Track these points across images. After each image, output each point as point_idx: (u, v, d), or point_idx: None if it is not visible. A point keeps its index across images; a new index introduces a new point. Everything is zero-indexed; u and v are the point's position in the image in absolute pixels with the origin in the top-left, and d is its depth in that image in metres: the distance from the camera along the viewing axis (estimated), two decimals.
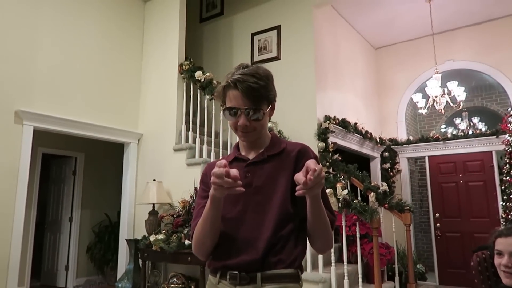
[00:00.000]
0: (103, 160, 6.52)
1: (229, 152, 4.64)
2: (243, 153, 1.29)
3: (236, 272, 1.14)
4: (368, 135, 5.72)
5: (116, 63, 4.92)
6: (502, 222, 4.75)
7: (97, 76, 4.69)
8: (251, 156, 1.26)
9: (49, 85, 4.20)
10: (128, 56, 5.09)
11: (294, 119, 4.85)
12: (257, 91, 1.16)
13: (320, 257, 3.57)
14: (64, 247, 6.01)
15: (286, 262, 1.15)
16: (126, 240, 4.59)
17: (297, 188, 0.99)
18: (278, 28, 5.30)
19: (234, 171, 1.00)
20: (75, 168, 6.22)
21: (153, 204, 4.47)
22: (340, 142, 5.11)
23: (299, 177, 0.97)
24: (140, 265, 4.38)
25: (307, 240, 1.23)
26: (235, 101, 1.17)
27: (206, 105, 4.77)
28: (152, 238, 4.09)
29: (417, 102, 5.53)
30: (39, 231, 6.01)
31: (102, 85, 4.73)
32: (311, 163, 0.98)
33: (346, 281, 3.46)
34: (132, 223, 4.84)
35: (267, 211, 1.17)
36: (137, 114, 5.13)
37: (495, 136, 5.71)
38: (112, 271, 5.98)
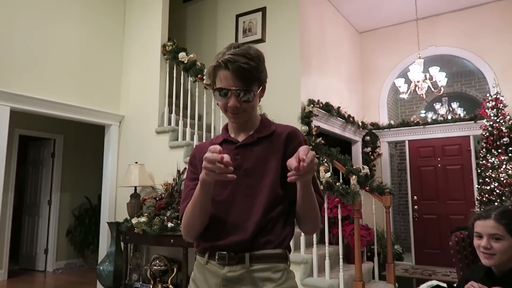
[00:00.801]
0: (83, 142, 6.40)
1: (212, 135, 4.62)
2: (232, 135, 1.27)
3: (225, 252, 1.14)
4: (351, 119, 5.77)
5: (96, 43, 4.78)
6: (477, 205, 4.92)
7: (77, 57, 4.54)
8: (241, 138, 1.25)
9: (27, 66, 4.06)
10: (109, 36, 4.94)
11: (278, 102, 4.84)
12: (248, 72, 1.13)
13: (302, 238, 3.62)
14: (43, 231, 5.92)
15: (274, 242, 1.15)
16: (108, 223, 4.55)
17: (289, 174, 0.98)
18: (263, 10, 5.23)
19: (226, 157, 0.99)
20: (53, 151, 6.08)
21: (135, 187, 4.43)
22: (323, 125, 5.15)
23: (292, 162, 0.96)
24: (122, 248, 4.36)
25: (293, 225, 1.24)
26: (225, 81, 1.14)
27: (189, 87, 4.70)
28: (134, 220, 4.06)
29: (400, 87, 5.59)
30: (17, 215, 5.89)
31: (82, 66, 4.60)
32: (304, 149, 0.97)
33: (327, 262, 3.53)
34: (113, 206, 4.79)
35: (257, 193, 1.17)
36: (118, 95, 5.02)
37: (473, 121, 5.85)
38: (93, 254, 5.95)
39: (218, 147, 1.00)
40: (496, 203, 4.61)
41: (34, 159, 6.24)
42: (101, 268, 4.36)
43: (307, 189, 1.10)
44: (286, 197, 1.19)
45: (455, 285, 1.85)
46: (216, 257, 1.16)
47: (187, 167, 1.34)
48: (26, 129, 5.64)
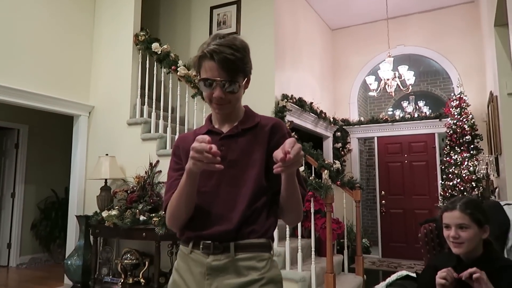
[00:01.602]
0: (49, 133, 6.16)
1: (186, 128, 4.58)
2: (216, 126, 1.27)
3: (210, 241, 1.15)
4: (323, 115, 5.87)
5: (64, 29, 4.60)
6: (440, 200, 5.14)
7: (42, 43, 4.36)
8: (225, 129, 1.25)
9: None
10: (78, 23, 4.77)
11: (252, 96, 4.78)
12: (233, 63, 1.13)
13: (275, 231, 3.67)
14: (6, 224, 5.68)
15: (259, 232, 1.17)
16: (76, 216, 4.43)
17: (275, 166, 0.99)
18: (238, 3, 5.21)
19: (214, 147, 0.99)
20: (17, 141, 5.83)
21: (106, 180, 4.33)
22: (296, 120, 5.21)
23: (278, 154, 0.97)
24: (91, 242, 4.26)
25: (277, 216, 1.25)
26: (210, 72, 1.14)
27: (162, 79, 4.63)
28: (104, 214, 3.98)
29: (370, 84, 5.74)
30: None
31: (48, 53, 4.42)
32: (290, 141, 0.99)
33: (299, 255, 3.60)
34: (82, 199, 4.66)
35: (241, 185, 1.18)
36: (88, 85, 4.87)
37: (438, 120, 6.10)
38: (60, 249, 5.77)
39: (207, 137, 1.00)
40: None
41: None
42: (69, 262, 4.24)
43: (292, 181, 1.12)
44: (270, 188, 1.20)
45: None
46: (201, 246, 1.16)
47: (170, 158, 1.33)
48: None
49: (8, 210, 5.70)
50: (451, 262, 1.65)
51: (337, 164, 4.59)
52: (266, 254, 1.18)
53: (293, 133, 4.78)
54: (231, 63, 1.13)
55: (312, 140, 4.91)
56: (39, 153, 6.04)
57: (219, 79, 1.14)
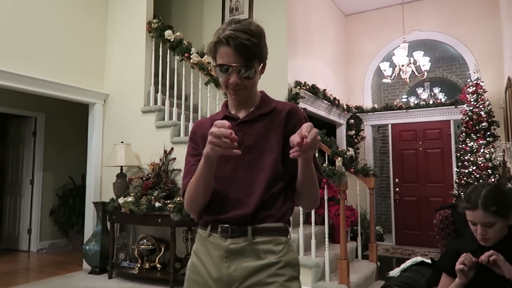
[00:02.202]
0: (66, 121, 6.26)
1: (199, 115, 4.60)
2: (233, 112, 1.27)
3: (227, 225, 1.16)
4: (336, 102, 5.83)
5: (78, 18, 4.64)
6: (455, 187, 5.09)
7: (58, 32, 4.41)
8: (241, 115, 1.25)
9: (5, 41, 3.92)
10: (92, 11, 4.80)
11: (265, 83, 4.77)
12: (249, 48, 1.13)
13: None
14: (26, 210, 5.83)
15: (276, 216, 1.18)
16: (94, 202, 4.53)
17: (291, 150, 0.99)
18: None
19: (232, 132, 1.00)
20: (35, 129, 5.94)
21: (121, 167, 4.40)
22: (309, 108, 5.18)
23: (295, 139, 0.98)
24: (108, 228, 4.36)
25: (293, 201, 1.26)
26: (226, 58, 1.14)
27: (176, 66, 4.64)
28: (121, 200, 4.06)
29: (384, 71, 5.66)
30: None
31: (64, 41, 4.47)
32: (307, 126, 0.99)
33: (313, 241, 3.62)
34: (98, 186, 4.75)
35: (258, 169, 1.19)
36: (102, 73, 4.92)
37: (453, 106, 6.00)
38: (78, 234, 5.91)
39: (226, 123, 1.01)
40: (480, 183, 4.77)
41: (15, 137, 6.09)
42: (87, 247, 4.35)
43: (308, 166, 1.13)
44: (286, 173, 1.21)
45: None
46: (219, 229, 1.17)
47: (187, 144, 1.34)
48: (6, 107, 5.49)
49: (28, 197, 5.85)
50: (472, 246, 1.64)
51: (351, 152, 4.57)
52: (283, 238, 1.19)
53: None
54: (247, 48, 1.12)
55: (325, 128, 4.89)
56: (56, 140, 6.15)
57: (235, 64, 1.13)
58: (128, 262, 4.27)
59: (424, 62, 5.44)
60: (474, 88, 5.09)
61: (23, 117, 5.93)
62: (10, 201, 6.01)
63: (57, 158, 6.14)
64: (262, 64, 1.22)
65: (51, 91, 4.35)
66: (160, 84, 4.64)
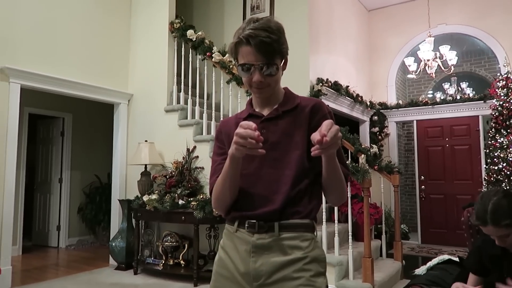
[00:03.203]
0: (92, 121, 6.43)
1: (221, 114, 4.63)
2: (257, 110, 1.28)
3: (254, 221, 1.17)
4: (359, 98, 5.74)
5: (103, 21, 4.74)
6: (484, 184, 4.93)
7: (83, 34, 4.53)
8: (266, 112, 1.26)
9: (35, 43, 4.05)
10: (116, 13, 4.90)
11: (287, 81, 4.73)
12: (269, 45, 1.13)
13: None
14: (55, 208, 6.02)
15: (302, 213, 1.18)
16: (119, 200, 4.62)
17: (312, 149, 0.99)
18: None
19: (258, 134, 1.01)
20: (63, 129, 6.12)
21: (145, 165, 4.48)
22: (332, 105, 5.13)
23: (315, 136, 0.97)
24: (133, 225, 4.44)
25: (320, 197, 1.26)
26: (248, 57, 1.15)
27: (198, 66, 4.68)
28: (145, 198, 4.13)
29: (409, 66, 5.54)
30: (29, 192, 5.98)
31: (89, 43, 4.58)
32: (327, 124, 0.98)
33: (336, 239, 3.59)
34: (123, 184, 4.85)
35: (284, 167, 1.19)
36: (126, 74, 5.02)
37: (482, 101, 5.81)
38: (104, 231, 6.06)
39: (252, 124, 1.01)
40: (503, 184, 4.62)
41: (44, 137, 6.30)
42: (114, 244, 4.45)
43: (332, 162, 1.12)
44: (312, 169, 1.21)
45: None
46: (246, 225, 1.18)
47: (214, 143, 1.36)
48: (36, 108, 5.67)
49: (57, 195, 6.04)
50: (496, 250, 1.59)
51: (374, 149, 4.49)
52: (310, 235, 1.19)
53: None
54: (268, 45, 1.13)
55: (348, 125, 4.82)
56: (83, 140, 6.32)
57: (256, 63, 1.14)
58: (152, 258, 4.35)
59: (450, 56, 5.29)
60: (504, 82, 4.91)
61: (52, 117, 6.12)
62: (40, 199, 6.21)
63: (84, 157, 6.31)
64: (283, 61, 1.22)
65: (78, 92, 4.47)
66: (182, 83, 4.69)
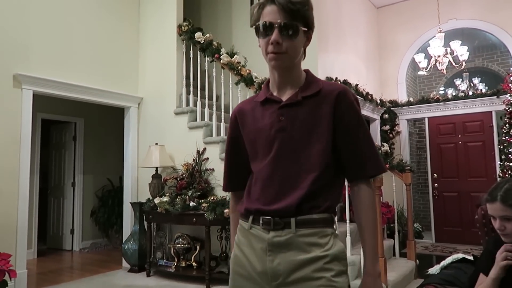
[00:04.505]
0: (103, 125, 6.50)
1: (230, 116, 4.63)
2: (275, 93, 1.18)
3: (269, 217, 1.10)
4: (369, 97, 5.70)
5: (112, 25, 4.79)
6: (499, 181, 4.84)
7: (93, 40, 4.58)
8: (285, 97, 1.16)
9: (46, 49, 4.11)
10: (125, 18, 4.95)
11: None
12: (296, 4, 1.07)
13: None
14: (69, 211, 6.10)
15: (321, 207, 1.11)
16: (131, 203, 4.66)
17: None
18: None
19: None
20: (75, 134, 6.20)
21: (156, 168, 4.50)
22: None
23: None
24: (145, 227, 4.47)
25: (342, 186, 1.20)
26: (269, 16, 1.08)
27: (206, 68, 4.70)
28: (156, 200, 4.15)
29: (420, 62, 5.47)
30: (43, 196, 6.07)
31: (99, 48, 4.63)
32: None
33: (348, 239, 3.56)
34: (135, 186, 4.89)
35: (304, 161, 1.11)
36: (136, 77, 5.06)
37: (495, 96, 5.71)
38: (117, 234, 6.11)
39: None
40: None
41: (57, 142, 6.38)
42: (126, 247, 4.49)
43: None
44: (335, 161, 1.14)
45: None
46: (261, 221, 1.12)
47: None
48: (48, 113, 5.76)
49: (70, 199, 6.12)
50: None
51: (386, 147, 4.46)
52: (329, 230, 1.11)
53: None
54: (293, 5, 1.07)
55: None
56: (95, 144, 6.39)
57: (278, 21, 1.07)
58: (165, 260, 4.37)
59: (462, 51, 5.21)
60: None
61: (64, 122, 6.20)
62: (54, 203, 6.30)
63: (96, 161, 6.38)
64: (307, 35, 1.14)
65: (90, 97, 4.52)
66: (191, 85, 4.72)
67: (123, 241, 4.64)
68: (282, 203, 1.10)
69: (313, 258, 1.07)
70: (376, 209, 1.15)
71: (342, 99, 1.13)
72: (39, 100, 4.75)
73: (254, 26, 1.13)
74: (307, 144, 1.12)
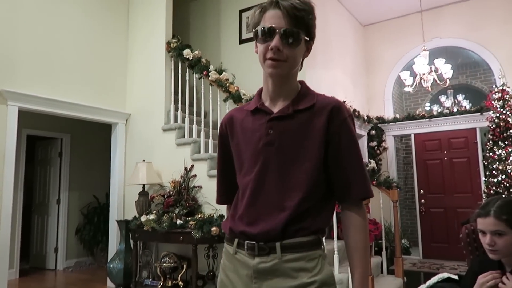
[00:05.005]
0: (90, 141, 6.43)
1: (219, 133, 4.62)
2: (266, 103, 1.13)
3: (254, 242, 1.06)
4: (356, 113, 5.76)
5: (100, 41, 4.79)
6: (484, 197, 4.91)
7: (81, 55, 4.56)
8: (276, 108, 1.10)
9: (32, 65, 4.08)
10: (113, 34, 4.96)
11: None
12: (300, 11, 1.04)
13: None
14: (53, 229, 5.97)
15: (308, 230, 1.05)
16: (117, 221, 4.59)
17: None
18: None
19: None
20: (61, 150, 6.12)
21: (143, 185, 4.45)
22: None
23: None
24: (131, 246, 4.40)
25: (333, 206, 1.15)
26: (271, 20, 1.04)
27: (195, 84, 4.71)
28: (143, 218, 4.09)
29: (405, 80, 5.57)
30: (26, 214, 5.94)
31: (87, 64, 4.62)
32: None
33: (336, 256, 3.55)
34: (121, 204, 4.82)
35: (292, 179, 1.06)
36: (124, 93, 5.04)
37: (479, 113, 5.83)
38: (102, 252, 5.99)
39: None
40: (503, 195, 4.60)
41: (42, 158, 6.29)
42: (111, 266, 4.40)
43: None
44: (325, 180, 1.08)
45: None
46: (245, 247, 1.07)
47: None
48: (34, 129, 5.68)
49: (54, 216, 6.00)
50: (493, 267, 1.58)
51: (372, 164, 4.50)
52: (317, 252, 1.06)
53: None
54: (298, 11, 1.04)
55: None
56: (81, 160, 6.31)
57: (281, 27, 1.03)
58: (151, 280, 4.29)
59: (445, 69, 5.33)
60: (500, 94, 4.95)
61: (50, 138, 6.12)
62: (37, 221, 6.17)
63: (82, 178, 6.29)
64: (307, 46, 1.11)
65: (76, 113, 4.48)
66: (180, 102, 4.71)
67: (109, 260, 4.55)
68: (267, 225, 1.05)
69: (300, 285, 1.02)
70: (367, 232, 1.09)
71: (336, 114, 1.09)
72: (25, 116, 4.70)
73: (253, 30, 1.09)
74: (295, 160, 1.06)
